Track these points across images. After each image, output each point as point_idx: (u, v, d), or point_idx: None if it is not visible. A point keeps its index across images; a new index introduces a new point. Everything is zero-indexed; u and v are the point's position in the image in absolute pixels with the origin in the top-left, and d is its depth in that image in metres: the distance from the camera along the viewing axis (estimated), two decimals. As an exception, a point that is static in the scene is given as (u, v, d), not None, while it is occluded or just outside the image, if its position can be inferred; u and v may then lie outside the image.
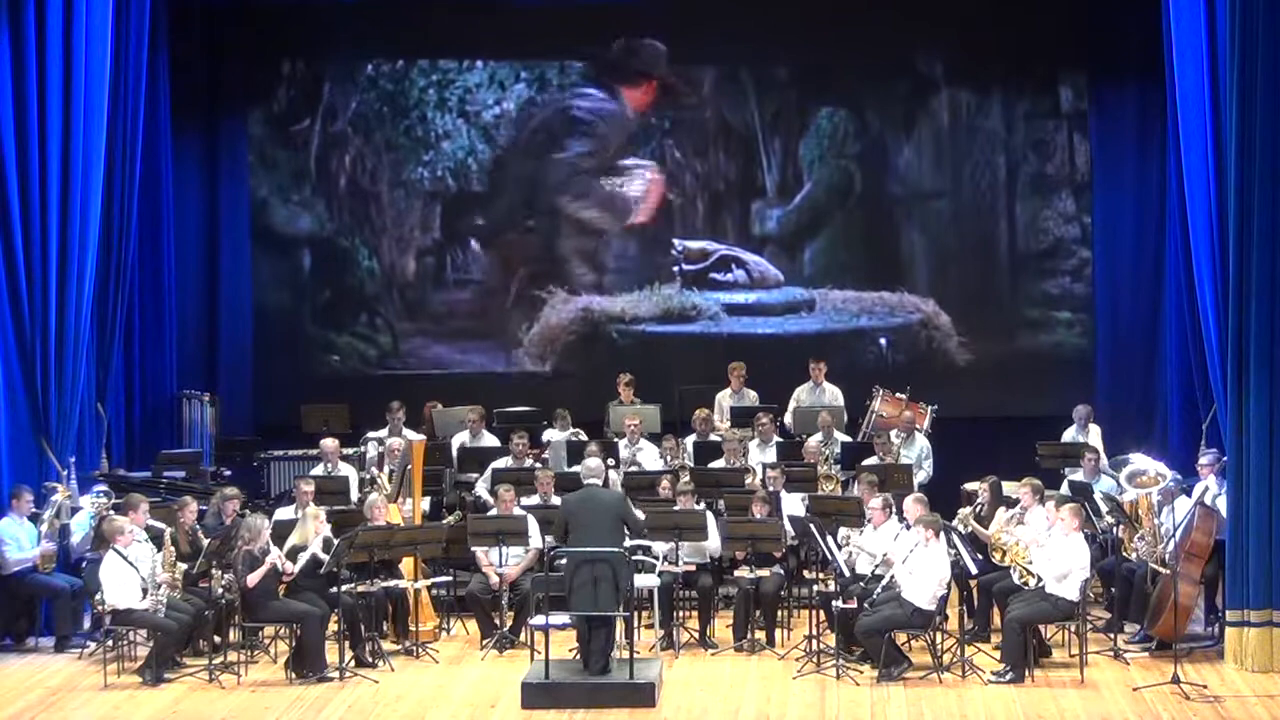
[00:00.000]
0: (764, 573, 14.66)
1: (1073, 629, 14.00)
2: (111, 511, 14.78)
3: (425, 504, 16.04)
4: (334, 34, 19.96)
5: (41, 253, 15.44)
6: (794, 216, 20.32)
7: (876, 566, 13.88)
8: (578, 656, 13.40)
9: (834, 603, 14.03)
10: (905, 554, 13.61)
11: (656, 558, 14.80)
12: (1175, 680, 13.08)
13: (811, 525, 14.07)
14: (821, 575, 14.40)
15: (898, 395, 17.88)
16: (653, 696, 12.92)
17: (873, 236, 20.31)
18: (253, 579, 13.66)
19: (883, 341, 20.05)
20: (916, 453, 17.02)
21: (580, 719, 12.72)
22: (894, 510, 14.42)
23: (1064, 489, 15.59)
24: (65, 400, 15.59)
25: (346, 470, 16.67)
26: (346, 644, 14.09)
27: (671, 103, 20.21)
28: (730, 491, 15.80)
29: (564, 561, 13.51)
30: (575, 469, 15.70)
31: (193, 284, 19.73)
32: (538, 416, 18.09)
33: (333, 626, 14.19)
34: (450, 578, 15.68)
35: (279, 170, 20.34)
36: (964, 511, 14.79)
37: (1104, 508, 14.91)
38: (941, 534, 13.69)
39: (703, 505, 15.36)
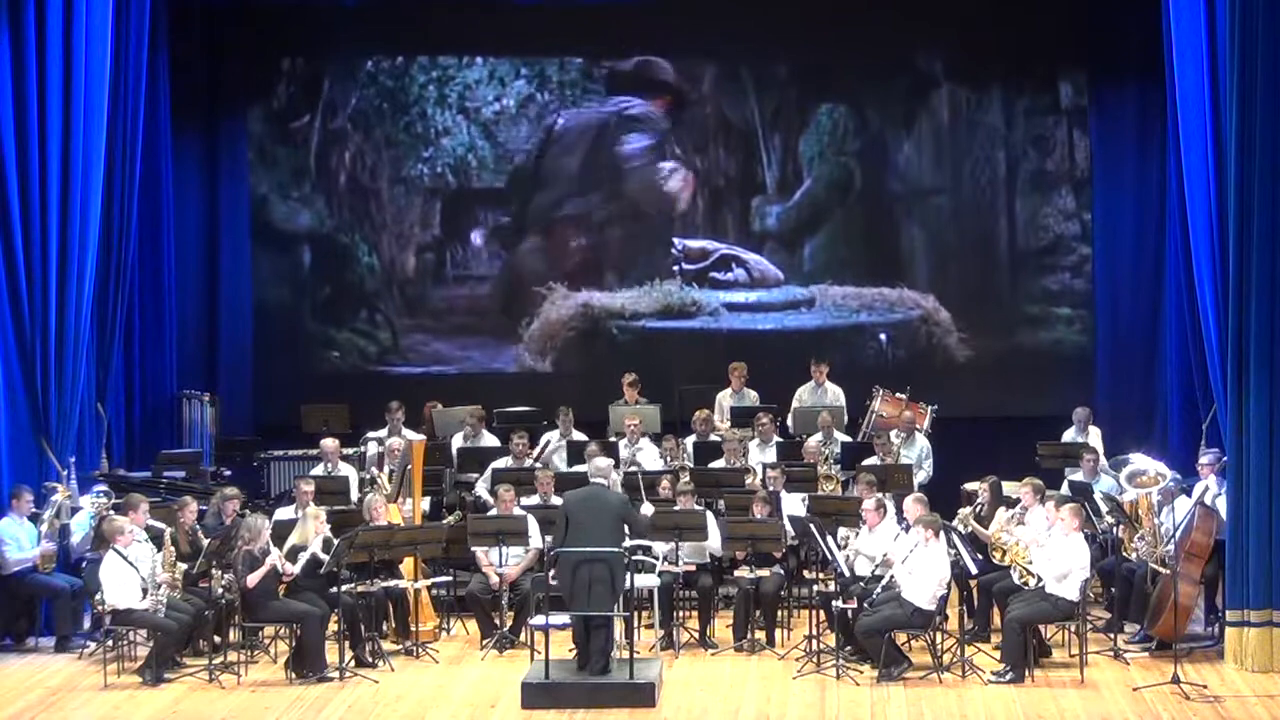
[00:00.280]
0: (764, 573, 14.67)
1: (1073, 629, 14.01)
2: (111, 511, 14.78)
3: (425, 504, 16.04)
4: (334, 31, 19.95)
5: (41, 253, 15.43)
6: (794, 213, 20.32)
7: (876, 567, 13.88)
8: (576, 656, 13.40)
9: (834, 603, 14.03)
10: (905, 554, 13.62)
11: (656, 558, 14.80)
12: (1175, 680, 13.08)
13: (811, 525, 14.07)
14: (821, 575, 14.40)
15: (898, 395, 17.87)
16: (653, 696, 12.92)
17: (873, 233, 20.30)
18: (252, 580, 13.67)
19: (883, 337, 20.06)
20: (916, 453, 17.01)
21: (580, 719, 12.72)
22: (888, 510, 14.43)
23: (1064, 489, 15.59)
24: (65, 400, 15.58)
25: (346, 470, 16.67)
26: (346, 644, 14.10)
27: (674, 100, 20.24)
28: (730, 491, 15.80)
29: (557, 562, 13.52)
30: (578, 469, 15.71)
31: (193, 283, 19.73)
32: (538, 416, 18.09)
33: (333, 626, 14.19)
34: (450, 578, 15.68)
35: (279, 167, 20.33)
36: (964, 511, 14.80)
37: (1104, 508, 14.91)
38: (941, 534, 13.69)
39: (703, 505, 15.35)
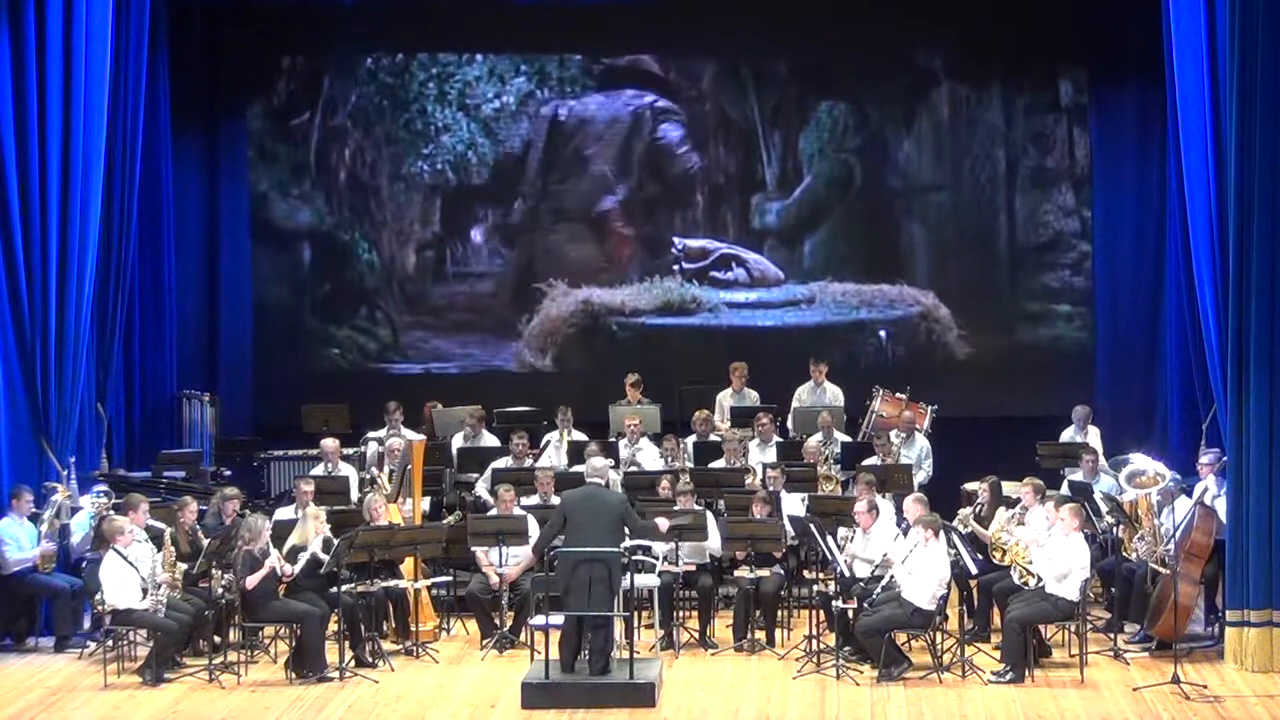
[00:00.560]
0: (764, 573, 14.67)
1: (1073, 629, 14.01)
2: (111, 511, 14.77)
3: (425, 504, 16.04)
4: (333, 30, 19.94)
5: (41, 253, 15.43)
6: (794, 210, 20.33)
7: (876, 568, 13.88)
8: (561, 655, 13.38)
9: (834, 603, 14.04)
10: (905, 554, 13.62)
11: (656, 558, 14.80)
12: (1175, 680, 13.08)
13: (811, 525, 14.07)
14: (821, 575, 14.40)
15: (898, 395, 17.87)
16: (653, 696, 12.93)
17: (872, 230, 20.31)
18: (251, 582, 13.67)
19: (882, 334, 20.07)
20: (916, 453, 17.01)
21: (580, 719, 12.73)
22: (880, 511, 14.43)
23: (1064, 489, 15.59)
24: (65, 400, 15.58)
25: (346, 470, 16.67)
26: (346, 644, 14.10)
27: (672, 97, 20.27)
28: (730, 491, 15.80)
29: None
30: (579, 469, 15.71)
31: (193, 283, 19.73)
32: (538, 416, 18.09)
33: (333, 626, 14.20)
34: (450, 578, 15.68)
35: (279, 165, 20.34)
36: (964, 511, 14.80)
37: (1104, 508, 14.91)
38: (941, 534, 13.69)
39: (702, 506, 15.35)
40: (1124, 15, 18.47)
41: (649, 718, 12.75)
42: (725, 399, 18.27)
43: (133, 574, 13.75)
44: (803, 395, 18.29)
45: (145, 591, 13.74)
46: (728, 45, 20.07)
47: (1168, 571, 13.80)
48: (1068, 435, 17.22)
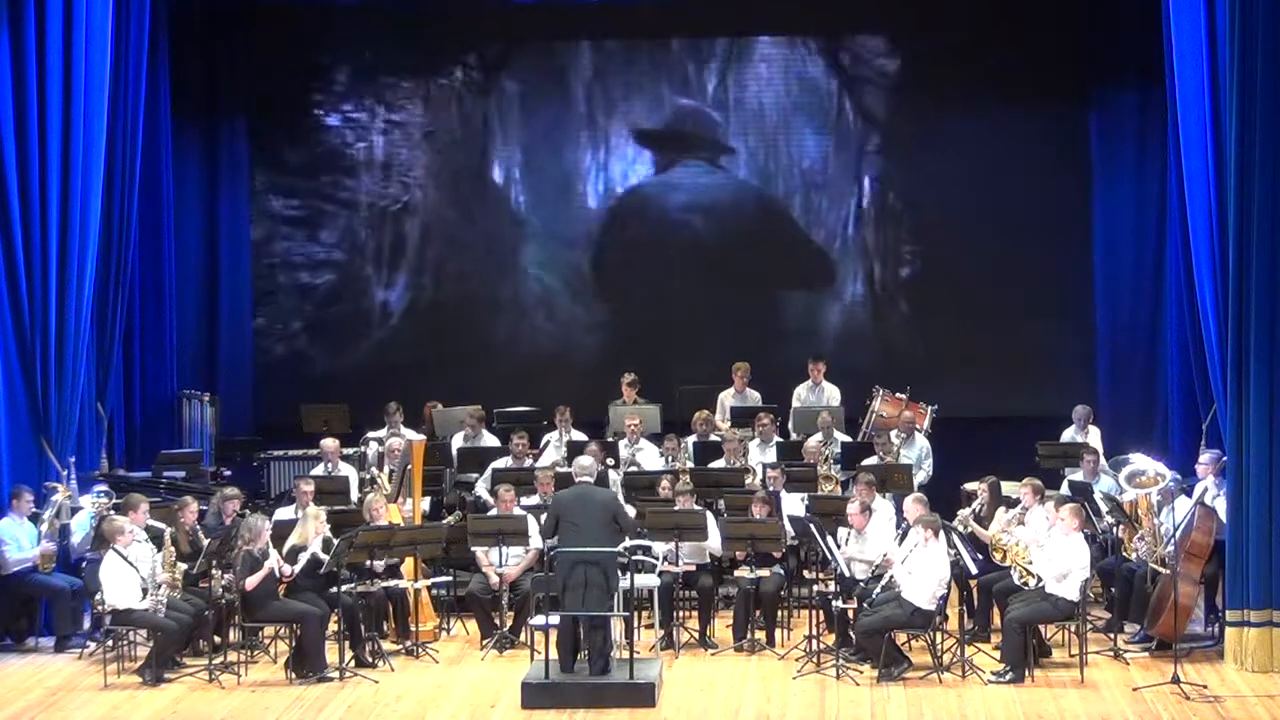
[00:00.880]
0: (764, 573, 14.66)
1: (1073, 629, 14.00)
2: (111, 511, 14.78)
3: (425, 504, 16.04)
4: (334, 32, 19.94)
5: (41, 253, 15.43)
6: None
7: (875, 568, 13.88)
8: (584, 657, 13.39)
9: (834, 603, 14.03)
10: (905, 554, 13.62)
11: (656, 558, 14.80)
12: (1175, 680, 13.08)
13: (811, 525, 14.07)
14: (821, 575, 14.40)
15: (898, 395, 17.86)
16: (653, 696, 12.93)
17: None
18: (250, 583, 13.66)
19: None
20: (916, 453, 17.00)
21: (580, 719, 12.73)
22: (873, 512, 14.43)
23: (1064, 489, 15.59)
24: (65, 400, 15.58)
25: (346, 470, 16.67)
26: (346, 644, 14.10)
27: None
28: (730, 491, 15.80)
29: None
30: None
31: (193, 283, 19.73)
32: (538, 416, 18.09)
33: (333, 626, 14.19)
34: (450, 578, 15.68)
35: (279, 164, 20.29)
36: (964, 512, 14.81)
37: (1104, 508, 14.91)
38: (941, 534, 13.69)
39: (702, 506, 15.35)
40: (1124, 14, 18.47)
41: (649, 718, 12.75)
42: (727, 398, 18.27)
43: (133, 574, 13.75)
44: (801, 394, 18.29)
45: (145, 591, 13.75)
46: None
47: (1168, 571, 13.80)
48: (1068, 435, 17.21)
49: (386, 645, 14.54)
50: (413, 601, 14.92)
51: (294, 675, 13.80)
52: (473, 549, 15.04)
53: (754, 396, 18.23)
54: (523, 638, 14.65)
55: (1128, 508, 14.59)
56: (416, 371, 19.74)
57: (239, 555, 13.81)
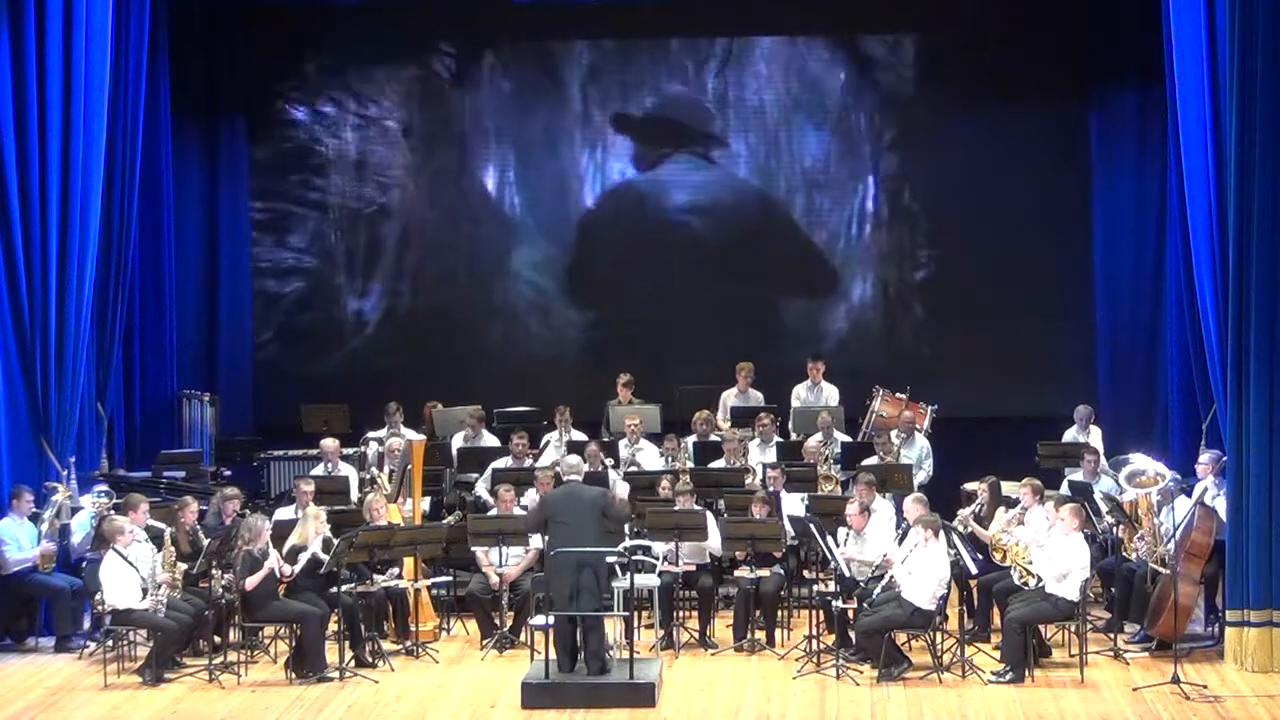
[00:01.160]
0: (764, 573, 14.67)
1: (1073, 629, 14.00)
2: (111, 511, 14.79)
3: (425, 504, 16.04)
4: (334, 32, 19.94)
5: (41, 253, 15.44)
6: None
7: (875, 568, 13.88)
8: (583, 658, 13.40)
9: (834, 603, 14.03)
10: (905, 554, 13.62)
11: (656, 558, 14.80)
12: (1175, 680, 13.08)
13: (811, 525, 14.07)
14: (821, 575, 14.40)
15: (898, 395, 17.85)
16: (653, 696, 12.93)
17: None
18: (250, 583, 13.66)
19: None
20: (916, 453, 17.00)
21: (580, 719, 12.73)
22: (872, 513, 14.42)
23: (1064, 489, 15.59)
24: (65, 400, 15.59)
25: (346, 470, 16.67)
26: (346, 644, 14.10)
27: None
28: (730, 491, 15.80)
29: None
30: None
31: (193, 283, 19.73)
32: (538, 416, 18.09)
33: (333, 626, 14.19)
34: (450, 578, 15.68)
35: (279, 164, 20.29)
36: (964, 512, 14.80)
37: (1104, 508, 14.91)
38: (941, 534, 13.69)
39: (702, 506, 15.34)
40: (1124, 15, 18.47)
41: (649, 718, 12.75)
42: (729, 398, 18.27)
43: (133, 574, 13.75)
44: (800, 394, 18.29)
45: (145, 591, 13.75)
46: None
47: (1168, 571, 13.80)
48: (1070, 435, 17.21)
49: (386, 645, 14.55)
50: (413, 601, 14.92)
51: (294, 675, 13.80)
52: (473, 549, 15.04)
53: (756, 396, 18.23)
54: (523, 638, 14.65)
55: (1128, 508, 14.59)
56: (416, 372, 19.74)
57: (239, 555, 13.81)
